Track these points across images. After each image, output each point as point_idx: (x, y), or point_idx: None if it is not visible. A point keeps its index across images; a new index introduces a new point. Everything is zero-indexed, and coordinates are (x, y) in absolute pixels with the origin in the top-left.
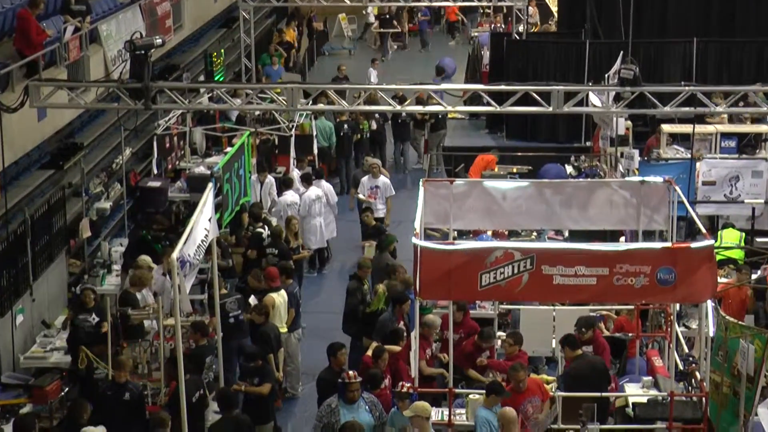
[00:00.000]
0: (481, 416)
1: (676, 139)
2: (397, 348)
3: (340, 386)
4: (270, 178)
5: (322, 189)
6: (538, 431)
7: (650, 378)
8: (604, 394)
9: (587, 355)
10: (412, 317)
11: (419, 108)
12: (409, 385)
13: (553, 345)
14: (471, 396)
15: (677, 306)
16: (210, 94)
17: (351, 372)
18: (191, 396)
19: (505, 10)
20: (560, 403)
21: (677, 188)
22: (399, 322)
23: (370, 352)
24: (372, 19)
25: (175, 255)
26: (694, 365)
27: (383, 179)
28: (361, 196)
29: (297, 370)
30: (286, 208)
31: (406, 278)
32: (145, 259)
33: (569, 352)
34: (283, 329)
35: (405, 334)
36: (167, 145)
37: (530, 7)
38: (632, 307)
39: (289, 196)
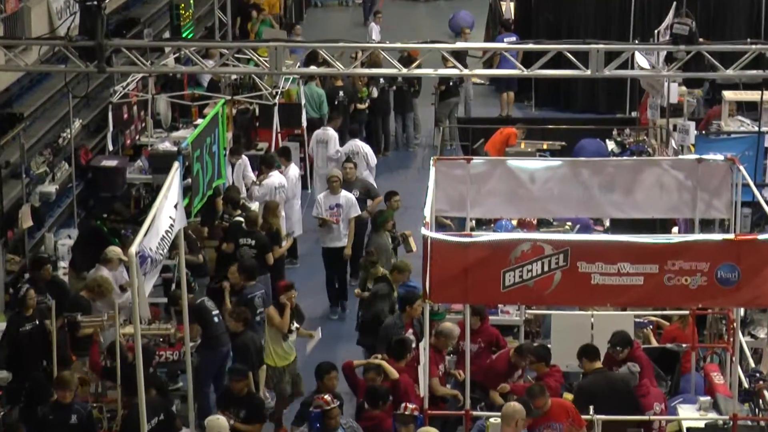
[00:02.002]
0: None
1: (740, 108)
2: (395, 374)
3: (315, 415)
4: (243, 158)
5: (361, 149)
6: None
7: (708, 398)
8: (653, 417)
9: (608, 372)
10: (421, 324)
11: (430, 71)
12: (414, 406)
13: None
14: (492, 420)
15: (741, 311)
16: (177, 55)
17: (327, 396)
18: (148, 421)
19: None
20: (599, 427)
21: (742, 168)
22: (407, 329)
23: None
24: None
25: (133, 249)
26: (761, 383)
27: (346, 195)
28: (320, 216)
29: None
30: (274, 192)
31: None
32: (116, 250)
33: (588, 364)
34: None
35: (414, 345)
36: (125, 116)
37: None
38: (687, 312)
39: (276, 177)
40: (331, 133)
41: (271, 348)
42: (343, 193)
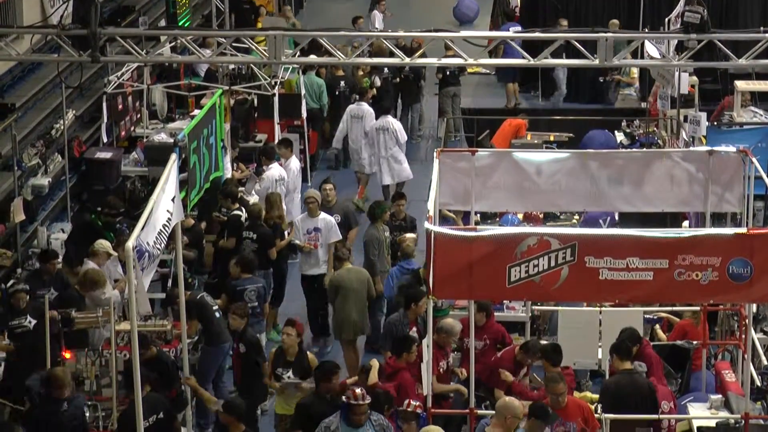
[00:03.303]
0: None
1: (753, 99)
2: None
3: (343, 407)
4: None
5: (391, 125)
6: None
7: (720, 396)
8: (662, 416)
9: (636, 374)
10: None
11: (433, 61)
12: (417, 403)
13: (600, 355)
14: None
15: (754, 307)
16: (173, 44)
17: (358, 390)
18: (144, 419)
19: None
20: (607, 426)
21: (755, 160)
22: (411, 327)
23: (375, 372)
24: None
25: (130, 243)
26: None
27: (325, 218)
28: (297, 242)
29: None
30: (275, 184)
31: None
32: (103, 243)
33: (618, 362)
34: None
35: (417, 343)
36: (120, 106)
37: None
38: (698, 308)
39: (276, 169)
40: (366, 108)
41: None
42: (322, 215)
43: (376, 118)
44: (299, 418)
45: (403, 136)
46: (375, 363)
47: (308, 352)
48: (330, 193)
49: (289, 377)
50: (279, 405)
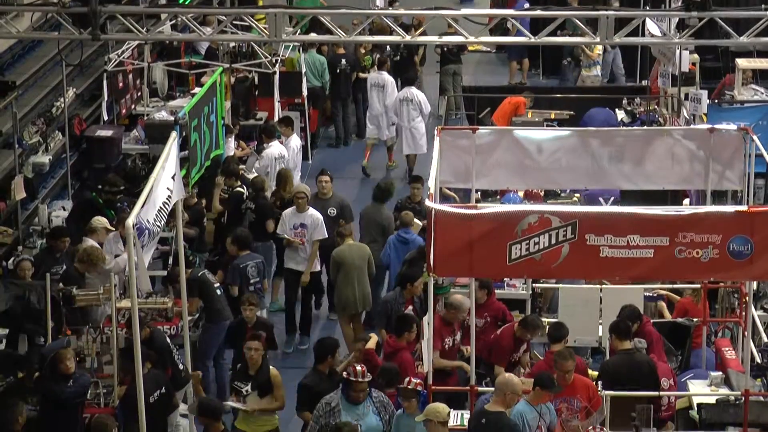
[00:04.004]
0: (516, 410)
1: (754, 76)
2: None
3: (343, 383)
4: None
5: (415, 96)
6: None
7: (720, 374)
8: (662, 393)
9: (635, 353)
10: (424, 298)
11: (434, 39)
12: (417, 381)
13: (600, 333)
14: None
15: (754, 285)
16: (173, 21)
17: (359, 367)
18: (149, 395)
19: None
20: (608, 403)
21: (755, 138)
22: (407, 306)
23: (372, 344)
24: None
25: (131, 221)
26: None
27: (312, 215)
28: (284, 235)
29: None
30: (274, 162)
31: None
32: (101, 220)
33: (617, 342)
34: None
35: (416, 323)
36: (120, 84)
37: None
38: (698, 286)
39: (276, 147)
40: (386, 77)
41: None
42: (310, 212)
43: (399, 89)
44: (304, 398)
45: (426, 107)
46: (374, 336)
47: (271, 368)
48: (326, 185)
49: (247, 391)
50: (241, 422)
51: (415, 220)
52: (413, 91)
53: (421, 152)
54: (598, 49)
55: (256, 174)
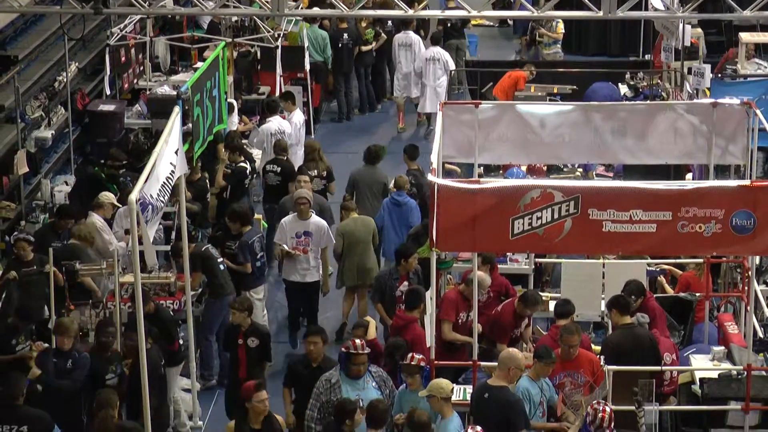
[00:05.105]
0: (521, 387)
1: (758, 50)
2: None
3: (342, 357)
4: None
5: (442, 56)
6: (574, 414)
7: (722, 348)
8: (665, 368)
9: (637, 327)
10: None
11: (437, 13)
12: (420, 356)
13: (602, 308)
14: None
15: (757, 259)
16: None
17: (358, 341)
18: (157, 368)
19: None
20: (610, 378)
21: (758, 112)
22: (402, 281)
23: (372, 328)
24: None
25: (134, 196)
26: None
27: (316, 221)
28: (284, 246)
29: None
30: (270, 138)
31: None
32: (108, 195)
33: (617, 316)
34: None
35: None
36: (122, 59)
37: None
38: (701, 260)
39: (275, 122)
40: (413, 35)
41: None
42: (314, 219)
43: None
44: (289, 379)
45: (451, 65)
46: (371, 319)
47: (276, 416)
48: (304, 186)
49: None
50: None
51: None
52: (439, 51)
53: None
54: (561, 28)
55: (257, 150)
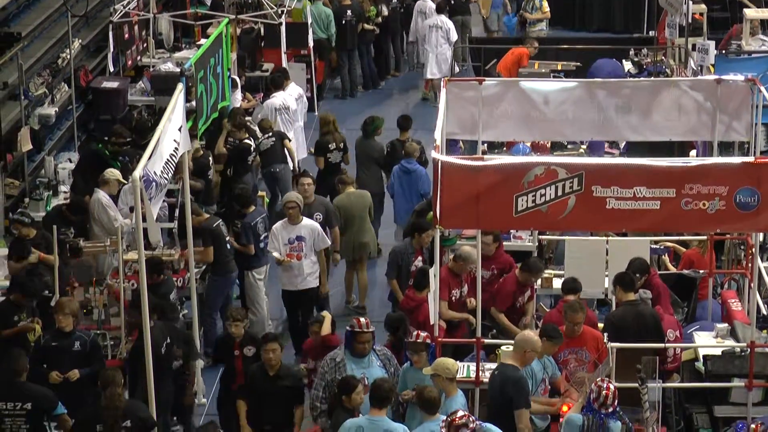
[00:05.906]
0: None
1: (762, 27)
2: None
3: (347, 336)
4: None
5: (444, 23)
6: (578, 391)
7: (726, 325)
8: (668, 345)
9: (640, 304)
10: (431, 250)
11: None
12: (425, 334)
13: (606, 284)
14: (503, 348)
15: (761, 236)
16: None
17: (363, 319)
18: (159, 346)
19: None
20: (613, 355)
21: (763, 89)
22: (417, 256)
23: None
24: None
25: (137, 173)
26: None
27: (308, 225)
28: (276, 255)
29: (263, 320)
30: (274, 113)
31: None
32: (114, 172)
33: (621, 293)
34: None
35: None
36: (126, 36)
37: None
38: (705, 237)
39: (279, 98)
40: (430, 4)
41: None
42: (305, 222)
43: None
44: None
45: (454, 35)
46: (327, 314)
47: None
48: (308, 189)
49: None
50: None
51: None
52: (443, 18)
53: (446, 76)
54: (546, 7)
55: None
